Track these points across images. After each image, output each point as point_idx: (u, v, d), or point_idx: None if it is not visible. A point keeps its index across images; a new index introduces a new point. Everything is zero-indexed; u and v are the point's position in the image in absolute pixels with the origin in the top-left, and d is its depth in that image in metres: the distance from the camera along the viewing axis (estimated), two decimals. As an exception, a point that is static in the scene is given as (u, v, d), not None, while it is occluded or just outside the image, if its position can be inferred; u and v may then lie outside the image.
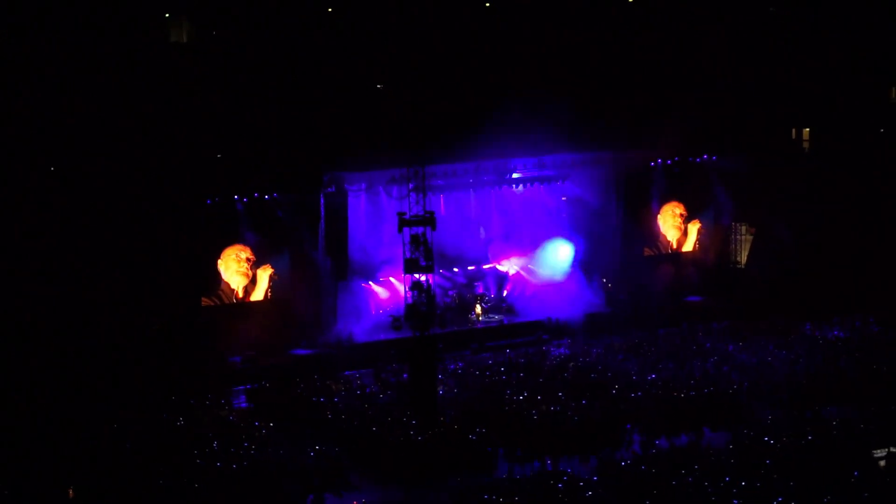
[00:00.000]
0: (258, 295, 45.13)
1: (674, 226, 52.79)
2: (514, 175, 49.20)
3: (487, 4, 50.29)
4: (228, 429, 35.89)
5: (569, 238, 49.71)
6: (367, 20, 47.88)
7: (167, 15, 46.50)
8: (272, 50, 46.32)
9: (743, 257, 53.30)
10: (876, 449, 32.85)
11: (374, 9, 47.97)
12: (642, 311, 48.71)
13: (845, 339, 43.46)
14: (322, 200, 45.08)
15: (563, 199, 50.94)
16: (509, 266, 51.00)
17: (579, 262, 49.76)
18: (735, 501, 29.52)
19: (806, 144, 53.67)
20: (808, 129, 53.54)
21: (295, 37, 46.82)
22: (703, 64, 52.25)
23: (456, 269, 50.12)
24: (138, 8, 44.98)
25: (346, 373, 42.42)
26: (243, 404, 39.98)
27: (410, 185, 37.95)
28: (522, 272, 50.50)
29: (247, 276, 44.78)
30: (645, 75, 50.66)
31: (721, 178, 52.09)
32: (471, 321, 48.42)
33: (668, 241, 52.83)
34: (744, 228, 53.22)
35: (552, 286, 49.38)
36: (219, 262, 44.32)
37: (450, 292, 49.23)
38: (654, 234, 52.43)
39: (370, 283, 47.94)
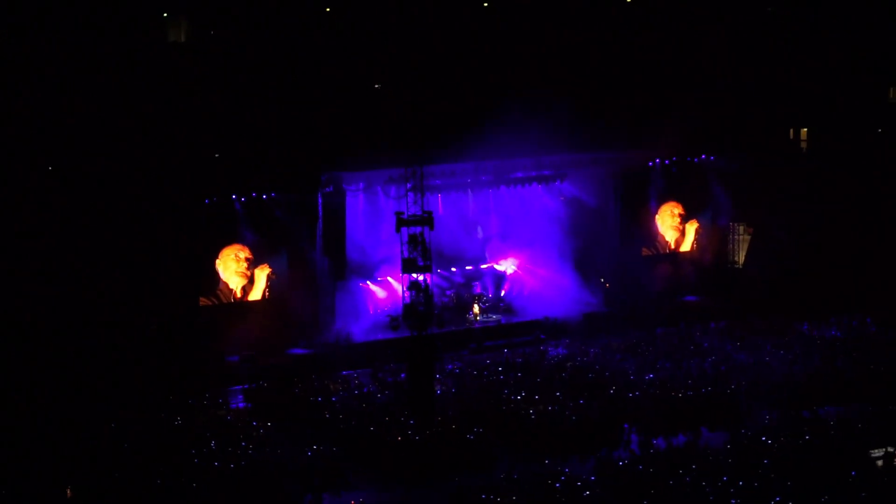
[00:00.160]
0: (256, 295, 45.14)
1: (672, 226, 52.78)
2: (512, 175, 49.18)
3: (486, 4, 50.27)
4: (226, 428, 35.92)
5: (566, 238, 49.68)
6: (365, 20, 47.86)
7: (165, 15, 46.48)
8: (270, 50, 46.32)
9: (741, 257, 53.32)
10: (873, 448, 32.87)
11: (372, 8, 47.95)
12: (640, 311, 48.73)
13: (843, 339, 43.52)
14: (320, 200, 45.06)
15: (562, 198, 50.93)
16: (507, 266, 51.03)
17: (577, 262, 49.76)
18: (733, 501, 29.57)
19: (804, 144, 53.71)
20: (805, 129, 53.56)
21: (293, 36, 46.82)
22: (702, 64, 52.25)
23: (454, 269, 50.16)
24: (136, 7, 44.94)
25: (344, 372, 42.46)
26: (241, 404, 39.98)
27: (408, 185, 37.97)
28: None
29: (245, 275, 44.78)
30: (643, 75, 50.65)
31: (719, 178, 52.10)
32: (469, 321, 48.43)
33: (667, 241, 52.83)
34: (741, 228, 53.24)
35: (550, 286, 49.40)
36: (217, 261, 44.30)
37: (448, 292, 49.26)
38: (652, 234, 52.42)
39: (368, 282, 47.97)
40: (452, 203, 49.22)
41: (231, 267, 44.60)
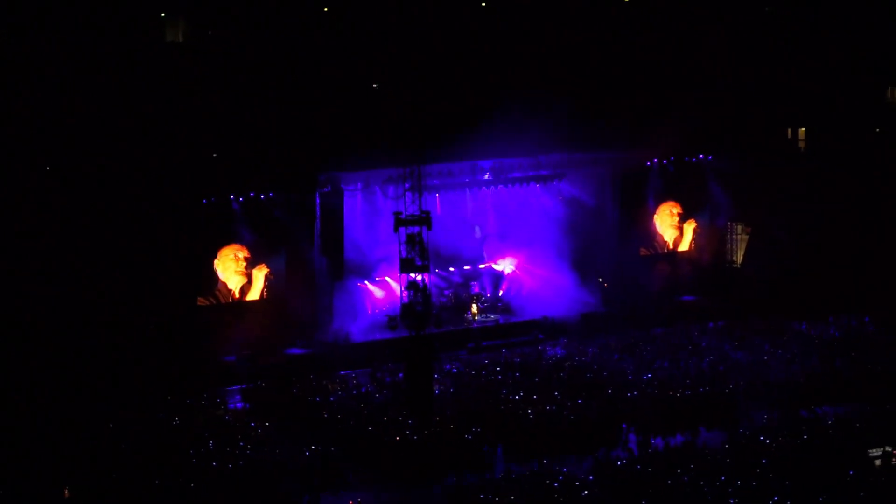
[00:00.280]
0: (254, 294, 45.11)
1: (670, 225, 52.80)
2: (511, 175, 49.17)
3: (483, 4, 50.24)
4: (224, 428, 35.92)
5: (565, 237, 49.69)
6: (363, 20, 47.81)
7: (163, 15, 46.44)
8: (268, 49, 46.25)
9: (739, 257, 53.30)
10: (871, 448, 32.89)
11: (371, 8, 47.91)
12: (638, 311, 48.73)
13: (841, 339, 43.53)
14: (318, 200, 45.07)
15: (560, 198, 50.91)
16: (505, 266, 51.03)
17: (575, 262, 49.75)
18: (731, 501, 29.59)
19: (802, 144, 53.70)
20: (803, 129, 53.55)
21: (291, 36, 46.74)
22: (700, 64, 52.19)
23: (452, 269, 50.13)
24: (134, 7, 44.89)
25: (343, 372, 42.43)
26: (239, 404, 39.97)
27: (406, 185, 38.00)
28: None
29: (244, 275, 44.77)
30: (641, 75, 50.59)
31: (717, 178, 52.13)
32: (467, 321, 48.40)
33: (665, 241, 52.83)
34: (740, 228, 53.23)
35: (549, 285, 49.40)
36: (215, 261, 44.27)
37: (446, 292, 49.24)
38: (650, 234, 52.42)
39: (366, 282, 47.94)
40: (450, 203, 49.21)
41: (231, 267, 44.57)
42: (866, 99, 52.40)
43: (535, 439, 35.19)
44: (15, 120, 41.86)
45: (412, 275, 37.47)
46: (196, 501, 31.12)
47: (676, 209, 52.72)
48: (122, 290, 41.16)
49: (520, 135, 46.02)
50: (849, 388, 38.74)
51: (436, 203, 47.92)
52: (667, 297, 51.06)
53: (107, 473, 32.16)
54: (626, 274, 50.91)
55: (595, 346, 44.14)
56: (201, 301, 44.01)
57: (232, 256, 44.50)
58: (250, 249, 44.68)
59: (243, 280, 44.80)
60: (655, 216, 52.47)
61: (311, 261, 45.29)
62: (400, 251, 37.49)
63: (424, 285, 37.45)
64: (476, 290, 50.02)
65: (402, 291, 37.62)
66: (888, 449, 32.70)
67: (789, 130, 53.69)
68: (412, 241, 37.29)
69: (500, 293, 50.38)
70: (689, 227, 53.04)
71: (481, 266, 51.09)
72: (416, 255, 37.36)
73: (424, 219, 37.40)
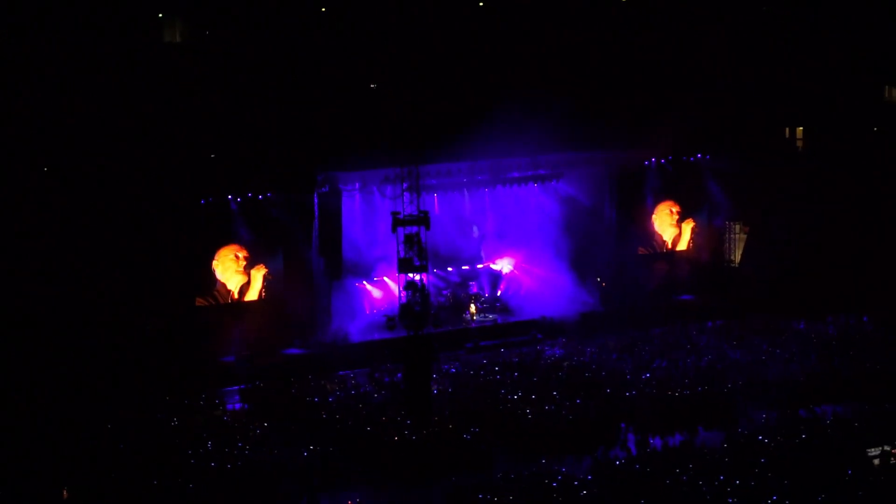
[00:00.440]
0: (252, 295, 45.08)
1: (669, 225, 52.83)
2: (509, 174, 49.17)
3: (481, 4, 50.23)
4: (223, 429, 35.91)
5: (563, 237, 49.69)
6: (362, 20, 47.80)
7: (160, 15, 46.42)
8: (266, 49, 46.23)
9: (737, 256, 53.34)
10: (870, 447, 32.89)
11: (369, 8, 47.90)
12: (637, 310, 48.75)
13: (839, 338, 43.53)
14: (316, 200, 45.06)
15: (558, 197, 50.90)
16: (503, 265, 51.03)
17: (574, 261, 49.76)
18: (730, 500, 29.57)
19: (800, 144, 53.72)
20: (801, 129, 53.57)
21: (289, 36, 46.72)
22: (698, 63, 52.22)
23: (450, 269, 50.16)
24: (132, 8, 44.88)
25: (341, 372, 42.43)
26: (238, 404, 39.96)
27: (404, 185, 37.99)
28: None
29: (243, 275, 44.74)
30: (639, 75, 50.60)
31: (715, 177, 52.17)
32: (465, 320, 48.40)
33: (663, 240, 52.85)
34: (738, 227, 53.26)
35: (547, 285, 49.41)
36: (214, 262, 44.26)
37: (444, 292, 49.25)
38: (648, 233, 52.43)
39: (364, 282, 47.95)
40: (448, 203, 49.24)
41: (231, 267, 44.56)
42: (865, 99, 52.41)
43: (533, 439, 35.19)
44: (15, 120, 41.87)
45: (410, 275, 37.47)
46: (195, 502, 31.10)
47: (675, 209, 52.75)
48: (121, 291, 41.17)
49: (518, 135, 46.02)
50: (847, 388, 38.73)
51: (434, 203, 47.97)
52: (665, 297, 51.10)
53: (106, 474, 32.14)
54: (625, 273, 50.94)
55: (593, 346, 44.15)
56: (200, 301, 44.00)
57: (231, 257, 44.48)
58: (248, 249, 44.66)
59: (242, 280, 44.78)
60: (654, 216, 52.50)
61: (309, 261, 45.28)
62: (398, 251, 37.49)
63: (423, 285, 37.46)
64: (474, 289, 50.03)
65: (400, 291, 37.62)
66: (887, 448, 32.69)
67: (788, 130, 53.71)
68: (410, 241, 37.29)
69: (499, 293, 50.38)
70: (688, 227, 53.06)
71: (479, 266, 51.11)
72: (414, 255, 37.36)
73: (422, 219, 37.40)
